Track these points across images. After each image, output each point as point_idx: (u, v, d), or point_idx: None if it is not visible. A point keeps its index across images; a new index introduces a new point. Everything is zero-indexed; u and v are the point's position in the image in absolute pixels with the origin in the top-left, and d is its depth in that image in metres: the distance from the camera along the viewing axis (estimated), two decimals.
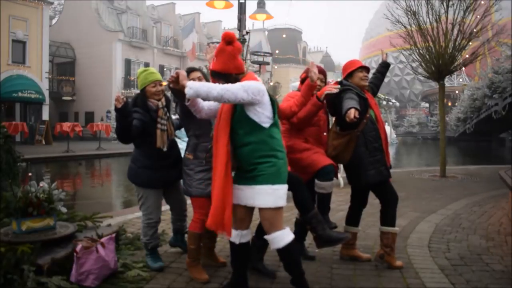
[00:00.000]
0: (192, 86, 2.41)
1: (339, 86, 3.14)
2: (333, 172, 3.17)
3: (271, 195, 2.49)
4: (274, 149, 2.53)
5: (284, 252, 2.58)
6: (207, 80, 3.02)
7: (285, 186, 2.57)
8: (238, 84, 2.47)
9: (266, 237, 2.59)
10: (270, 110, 2.56)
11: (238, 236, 2.67)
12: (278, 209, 2.55)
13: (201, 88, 2.41)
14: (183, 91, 2.47)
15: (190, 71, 3.16)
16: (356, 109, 2.83)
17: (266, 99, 2.54)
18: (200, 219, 2.99)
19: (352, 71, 3.33)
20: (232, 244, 2.72)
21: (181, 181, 3.34)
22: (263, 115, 2.52)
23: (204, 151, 3.00)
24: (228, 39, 2.51)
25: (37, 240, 2.86)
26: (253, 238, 3.10)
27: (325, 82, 3.39)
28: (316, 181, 3.14)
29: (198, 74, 3.13)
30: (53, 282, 2.60)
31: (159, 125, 3.12)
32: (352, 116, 2.78)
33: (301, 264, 2.64)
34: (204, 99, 2.54)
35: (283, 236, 2.54)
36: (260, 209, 2.54)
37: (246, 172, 2.56)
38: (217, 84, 2.50)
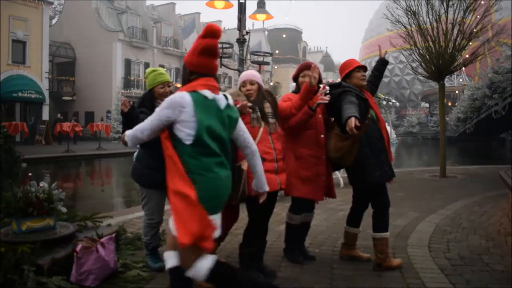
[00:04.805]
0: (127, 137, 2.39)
1: (328, 94, 3.05)
2: (305, 209, 3.20)
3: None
4: (193, 172, 2.13)
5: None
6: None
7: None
8: (151, 117, 2.26)
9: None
10: (194, 127, 2.13)
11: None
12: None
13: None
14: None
15: None
16: (356, 117, 2.73)
17: (187, 116, 2.13)
18: None
19: (350, 71, 3.29)
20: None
21: None
22: (183, 133, 2.15)
23: None
24: (208, 32, 2.20)
25: (37, 240, 2.86)
26: (242, 247, 3.09)
27: (320, 80, 3.23)
28: (288, 211, 3.15)
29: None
30: (53, 282, 2.60)
31: None
32: (352, 125, 2.69)
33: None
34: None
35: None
36: None
37: None
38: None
